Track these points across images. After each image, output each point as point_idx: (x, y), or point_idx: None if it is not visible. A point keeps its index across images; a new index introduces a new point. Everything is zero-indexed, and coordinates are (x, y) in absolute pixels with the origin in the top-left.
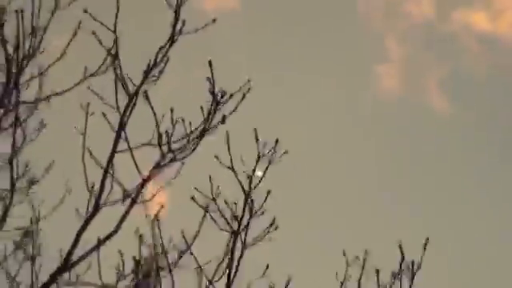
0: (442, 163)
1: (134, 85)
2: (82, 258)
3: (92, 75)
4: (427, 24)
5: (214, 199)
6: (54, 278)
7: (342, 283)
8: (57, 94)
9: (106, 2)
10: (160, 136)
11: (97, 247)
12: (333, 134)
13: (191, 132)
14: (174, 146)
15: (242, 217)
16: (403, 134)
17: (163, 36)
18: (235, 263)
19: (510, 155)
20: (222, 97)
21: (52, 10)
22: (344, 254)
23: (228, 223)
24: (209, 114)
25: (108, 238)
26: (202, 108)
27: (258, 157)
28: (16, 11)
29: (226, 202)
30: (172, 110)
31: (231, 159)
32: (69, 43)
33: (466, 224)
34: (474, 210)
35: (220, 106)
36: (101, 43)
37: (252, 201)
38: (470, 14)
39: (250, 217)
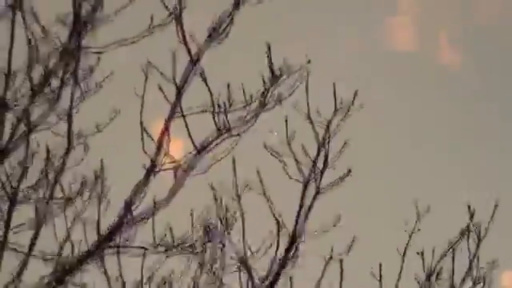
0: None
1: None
2: (135, 222)
3: (153, 30)
4: None
5: (289, 144)
6: (106, 239)
7: (410, 236)
8: (123, 43)
9: None
10: (216, 108)
11: (150, 214)
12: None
13: (248, 105)
14: (231, 120)
15: (315, 164)
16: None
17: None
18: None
19: None
20: (280, 74)
21: None
22: (416, 206)
23: (301, 171)
24: (266, 90)
25: (161, 204)
26: (263, 80)
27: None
28: None
29: (303, 148)
30: (228, 85)
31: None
32: None
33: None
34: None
35: (278, 83)
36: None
37: (327, 150)
38: None
39: (325, 166)
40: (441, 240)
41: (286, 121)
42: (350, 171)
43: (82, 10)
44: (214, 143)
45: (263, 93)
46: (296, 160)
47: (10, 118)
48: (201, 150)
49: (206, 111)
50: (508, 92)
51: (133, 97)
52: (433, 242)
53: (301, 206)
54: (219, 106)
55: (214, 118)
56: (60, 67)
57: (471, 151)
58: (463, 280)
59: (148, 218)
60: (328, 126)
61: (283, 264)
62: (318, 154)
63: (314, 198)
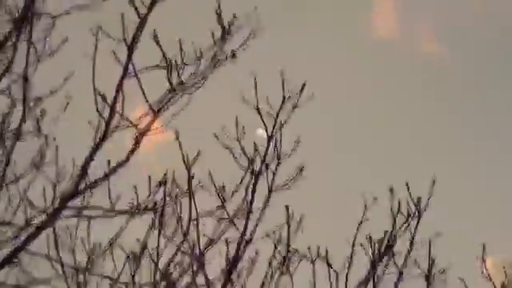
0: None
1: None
2: (92, 184)
3: None
4: None
5: (238, 140)
6: (64, 202)
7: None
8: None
9: None
10: (169, 65)
11: (107, 175)
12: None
13: (199, 59)
14: (184, 78)
15: (265, 157)
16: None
17: None
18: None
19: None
20: (229, 27)
21: None
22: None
23: (250, 164)
24: (217, 43)
25: (118, 166)
26: (212, 34)
27: (283, 98)
28: None
29: (254, 144)
30: (180, 41)
31: (257, 100)
32: None
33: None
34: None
35: (228, 37)
36: None
37: (276, 142)
38: None
39: (277, 160)
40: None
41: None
42: (302, 169)
43: None
44: (168, 102)
45: (214, 49)
46: (245, 153)
47: None
48: (155, 109)
49: (158, 68)
50: (488, 80)
51: (85, 60)
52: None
53: (251, 202)
54: (171, 63)
55: (167, 75)
56: (14, 32)
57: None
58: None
59: (105, 180)
60: (276, 118)
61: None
62: (268, 147)
63: (268, 196)
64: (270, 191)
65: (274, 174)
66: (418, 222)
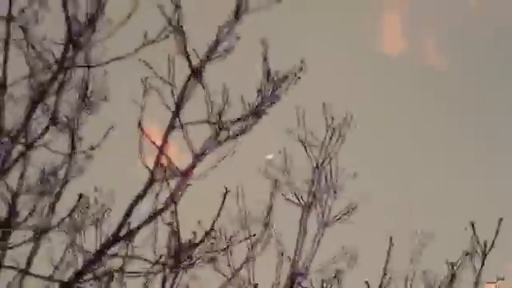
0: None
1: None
2: (134, 230)
3: (152, 42)
4: None
5: (286, 172)
6: (105, 247)
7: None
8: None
9: None
10: (214, 113)
11: (149, 220)
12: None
13: (247, 110)
14: (229, 124)
15: (314, 190)
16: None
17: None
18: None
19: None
20: (275, 78)
21: None
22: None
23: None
24: (262, 93)
25: (160, 212)
26: (258, 90)
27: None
28: None
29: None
30: (227, 90)
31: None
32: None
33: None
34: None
35: (274, 86)
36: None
37: (323, 174)
38: None
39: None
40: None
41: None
42: (355, 207)
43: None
44: (213, 149)
45: (259, 100)
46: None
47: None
48: (199, 156)
49: (204, 121)
50: (495, 91)
51: (133, 107)
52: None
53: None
54: (217, 113)
55: (212, 124)
56: (57, 81)
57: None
58: None
59: (147, 225)
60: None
61: None
62: (316, 179)
63: (321, 230)
64: (322, 224)
65: (324, 206)
66: (482, 264)
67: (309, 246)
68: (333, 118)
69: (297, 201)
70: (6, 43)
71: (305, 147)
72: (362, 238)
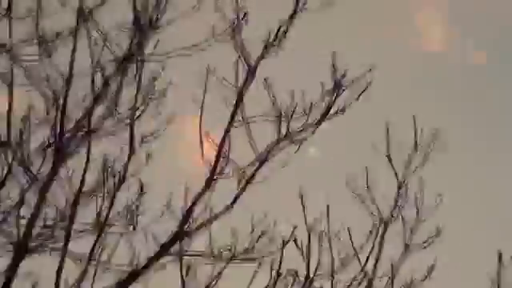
0: None
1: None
2: (194, 230)
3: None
4: None
5: (368, 187)
6: (166, 247)
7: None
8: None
9: None
10: (279, 115)
11: (210, 221)
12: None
13: (309, 113)
14: (293, 127)
15: (395, 206)
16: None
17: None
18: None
19: None
20: (342, 85)
21: None
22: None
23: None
24: (329, 101)
25: (221, 213)
26: (324, 92)
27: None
28: None
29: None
30: (292, 92)
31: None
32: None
33: None
34: None
35: (341, 93)
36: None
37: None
38: None
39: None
40: None
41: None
42: (440, 232)
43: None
44: (275, 151)
45: (326, 103)
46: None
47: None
48: (262, 157)
49: (267, 119)
50: None
51: (192, 104)
52: None
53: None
54: (281, 113)
55: (276, 125)
56: (120, 73)
57: None
58: None
59: (207, 226)
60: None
61: None
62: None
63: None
64: (405, 246)
65: (405, 225)
66: None
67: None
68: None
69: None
70: (75, 34)
71: (390, 162)
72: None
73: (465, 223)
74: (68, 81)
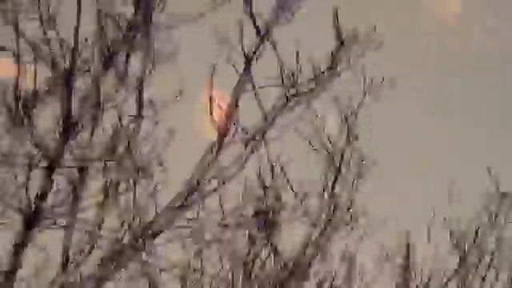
0: None
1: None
2: (204, 195)
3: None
4: None
5: None
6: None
7: None
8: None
9: None
10: (285, 77)
11: (219, 186)
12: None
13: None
14: (300, 89)
15: None
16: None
17: None
18: None
19: None
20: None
21: None
22: None
23: None
24: (334, 57)
25: (232, 176)
26: (331, 53)
27: None
28: None
29: None
30: (298, 53)
31: None
32: None
33: None
34: None
35: (345, 49)
36: None
37: None
38: None
39: None
40: None
41: None
42: None
43: None
44: (283, 112)
45: (331, 59)
46: None
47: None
48: (270, 118)
49: (274, 83)
50: None
51: (202, 69)
52: None
53: None
54: (288, 74)
55: (282, 86)
56: (128, 40)
57: None
58: None
59: (217, 191)
60: None
61: None
62: None
63: None
64: None
65: None
66: None
67: None
68: None
69: None
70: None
71: None
72: None
73: None
74: (74, 49)
